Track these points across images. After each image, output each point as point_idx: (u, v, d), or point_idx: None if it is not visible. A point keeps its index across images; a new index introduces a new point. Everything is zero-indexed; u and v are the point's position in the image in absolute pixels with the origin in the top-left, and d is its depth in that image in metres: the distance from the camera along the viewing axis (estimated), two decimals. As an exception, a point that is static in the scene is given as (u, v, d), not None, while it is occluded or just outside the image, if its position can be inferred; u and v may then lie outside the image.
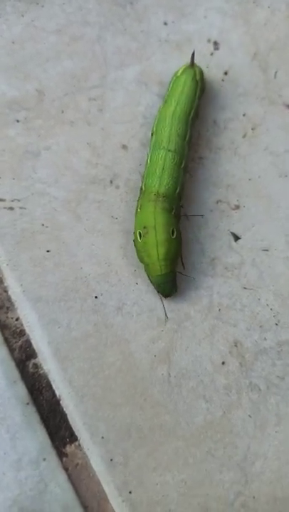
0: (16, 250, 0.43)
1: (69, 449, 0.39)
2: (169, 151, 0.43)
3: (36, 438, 0.39)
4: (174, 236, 0.40)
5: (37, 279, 0.42)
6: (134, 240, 0.41)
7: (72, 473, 0.39)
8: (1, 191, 0.44)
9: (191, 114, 0.45)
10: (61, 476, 0.38)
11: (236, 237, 0.45)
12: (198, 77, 0.47)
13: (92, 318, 0.42)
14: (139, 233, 0.40)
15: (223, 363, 0.41)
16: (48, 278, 0.42)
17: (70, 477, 0.38)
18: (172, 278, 0.41)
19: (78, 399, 0.40)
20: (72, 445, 0.39)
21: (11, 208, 0.44)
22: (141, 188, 0.43)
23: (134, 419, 0.40)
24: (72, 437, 0.39)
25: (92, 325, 0.41)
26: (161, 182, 0.41)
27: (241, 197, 0.46)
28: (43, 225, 0.44)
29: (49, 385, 0.40)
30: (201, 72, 0.48)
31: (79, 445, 0.39)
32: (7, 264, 0.42)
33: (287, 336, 0.42)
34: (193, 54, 0.47)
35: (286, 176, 0.46)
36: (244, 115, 0.48)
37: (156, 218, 0.40)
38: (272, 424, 0.40)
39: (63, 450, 0.39)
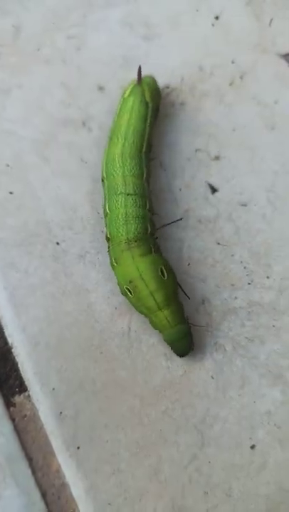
0: (-23, 190, 0.39)
1: (18, 399, 0.36)
2: (128, 195, 0.35)
3: (-17, 385, 0.36)
4: (166, 276, 0.34)
5: (-3, 220, 0.39)
6: (123, 294, 0.35)
7: (18, 424, 0.35)
8: None
9: (144, 148, 0.38)
10: (7, 426, 0.35)
11: (213, 189, 0.40)
12: (148, 97, 0.39)
13: (51, 265, 0.38)
14: (127, 289, 0.34)
15: (187, 320, 0.37)
16: (9, 221, 0.39)
17: (16, 428, 0.35)
18: (186, 332, 0.34)
19: (31, 347, 0.36)
20: (22, 395, 0.36)
21: (-24, 146, 0.40)
22: (106, 237, 0.36)
23: (88, 373, 0.36)
24: (22, 387, 0.36)
25: (52, 272, 0.38)
26: (128, 229, 0.35)
27: (223, 147, 0.41)
28: (8, 165, 0.40)
29: (1, 332, 0.37)
30: (153, 87, 0.40)
31: (28, 396, 0.36)
32: None
33: (259, 296, 0.38)
34: (139, 69, 0.39)
35: (273, 128, 0.42)
36: (233, 62, 0.44)
37: (139, 268, 0.34)
38: (236, 387, 0.36)
39: (11, 400, 0.36)
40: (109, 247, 0.36)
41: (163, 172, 0.40)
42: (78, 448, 0.35)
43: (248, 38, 0.45)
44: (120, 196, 0.36)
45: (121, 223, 0.35)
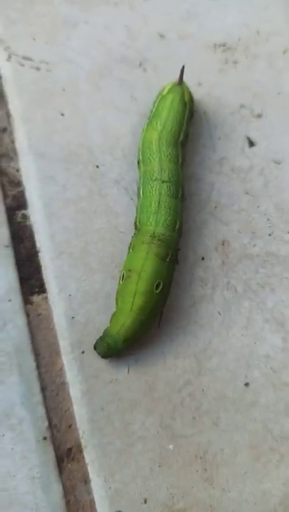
0: (32, 106, 0.41)
1: (36, 298, 0.38)
2: (163, 182, 0.36)
3: (7, 278, 0.37)
4: (158, 290, 0.34)
5: (45, 136, 0.40)
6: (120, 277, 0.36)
7: (32, 320, 0.37)
8: (31, 51, 0.43)
9: (181, 136, 0.38)
10: (21, 320, 0.37)
11: (251, 143, 0.41)
12: (186, 98, 0.39)
13: (88, 184, 0.40)
14: (123, 274, 0.35)
15: (202, 258, 0.38)
16: (56, 138, 0.40)
17: (29, 324, 0.37)
18: (115, 350, 0.35)
19: (56, 254, 0.38)
20: (40, 296, 0.38)
21: (38, 68, 0.42)
22: (135, 223, 0.36)
23: (104, 286, 0.38)
24: (42, 289, 0.38)
25: (88, 190, 0.39)
26: (158, 219, 0.35)
27: (266, 107, 0.42)
28: (63, 89, 0.42)
29: (32, 236, 0.38)
30: (190, 93, 0.40)
31: (46, 297, 0.37)
32: (21, 118, 0.41)
33: (276, 248, 0.39)
34: (182, 69, 0.39)
35: None
36: (290, 32, 0.45)
37: (144, 265, 0.34)
38: (240, 326, 0.37)
39: (30, 298, 0.37)
40: (134, 235, 0.36)
41: (206, 120, 0.41)
42: (83, 352, 0.36)
43: (309, 13, 0.45)
44: (156, 182, 0.36)
45: (152, 211, 0.35)
